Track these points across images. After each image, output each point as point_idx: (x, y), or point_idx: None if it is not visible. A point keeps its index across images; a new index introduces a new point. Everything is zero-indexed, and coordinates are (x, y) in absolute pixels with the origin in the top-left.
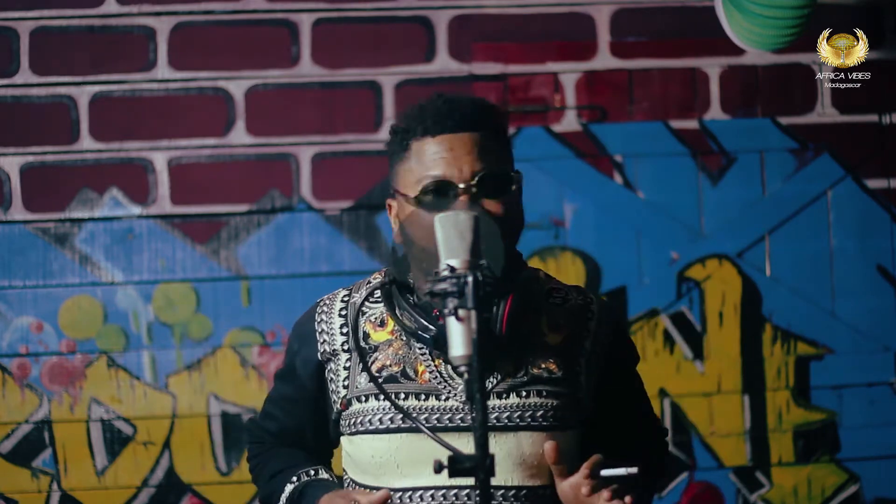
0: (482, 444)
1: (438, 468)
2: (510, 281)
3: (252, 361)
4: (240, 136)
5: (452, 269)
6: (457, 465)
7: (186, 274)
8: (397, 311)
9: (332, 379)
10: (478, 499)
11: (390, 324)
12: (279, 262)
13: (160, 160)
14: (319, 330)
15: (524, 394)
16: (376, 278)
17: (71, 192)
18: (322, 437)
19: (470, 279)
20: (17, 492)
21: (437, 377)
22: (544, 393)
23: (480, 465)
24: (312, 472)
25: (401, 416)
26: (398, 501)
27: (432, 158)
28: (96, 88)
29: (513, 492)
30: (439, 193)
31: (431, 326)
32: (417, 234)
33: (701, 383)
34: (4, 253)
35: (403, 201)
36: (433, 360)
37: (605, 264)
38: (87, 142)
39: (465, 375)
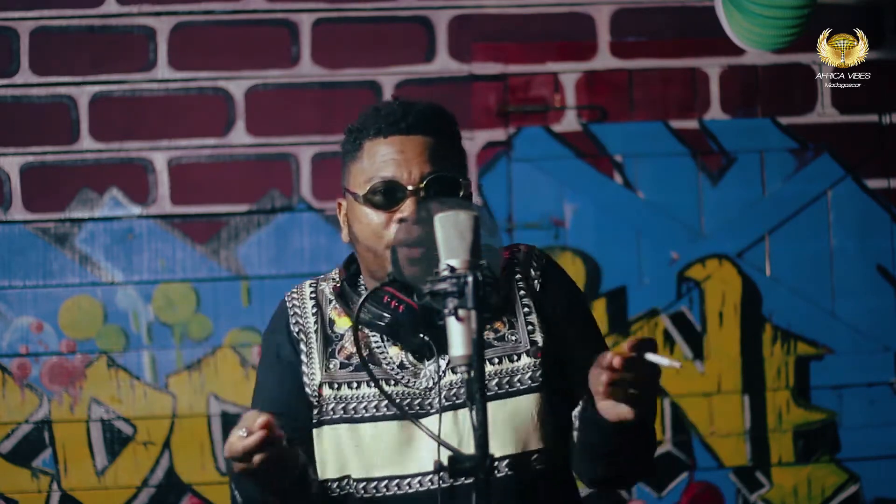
0: (482, 444)
1: (438, 468)
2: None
3: (252, 361)
4: (240, 136)
5: (452, 269)
6: (456, 465)
7: (186, 274)
8: (353, 305)
9: (305, 360)
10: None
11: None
12: (279, 262)
13: (160, 160)
14: (292, 312)
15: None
16: (335, 274)
17: (71, 192)
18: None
19: (470, 279)
20: (17, 492)
21: (392, 367)
22: (495, 360)
23: (480, 465)
24: None
25: (374, 404)
26: (373, 492)
27: (383, 159)
28: (96, 88)
29: (496, 462)
30: (387, 194)
31: (385, 314)
32: (363, 232)
33: (701, 383)
34: (4, 253)
35: (352, 200)
36: (388, 351)
37: (605, 264)
38: (87, 142)
39: (466, 375)
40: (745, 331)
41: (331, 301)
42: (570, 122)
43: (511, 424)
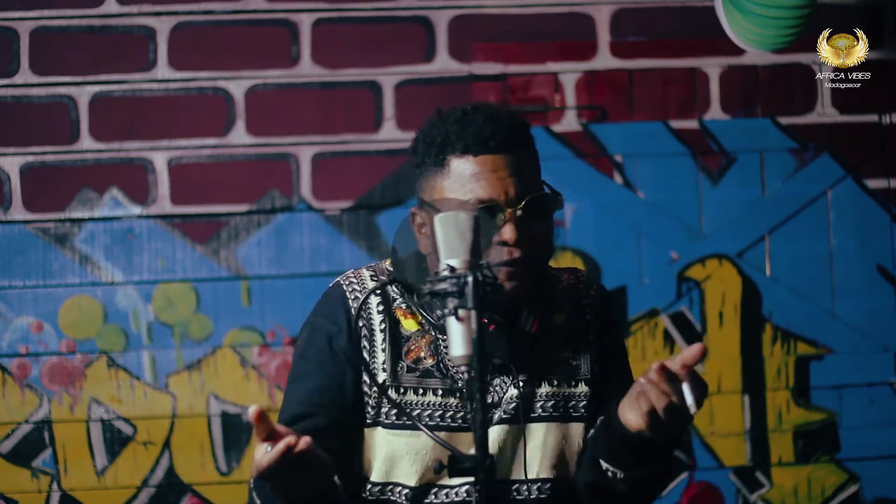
0: (482, 444)
1: (439, 468)
2: (542, 295)
3: (252, 361)
4: (240, 136)
5: (452, 269)
6: (456, 465)
7: (186, 274)
8: (429, 310)
9: (367, 357)
10: (477, 495)
11: (418, 315)
12: (279, 262)
13: (160, 160)
14: (353, 298)
15: (539, 384)
16: (389, 268)
17: (71, 192)
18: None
19: (470, 279)
20: (17, 492)
21: (462, 375)
22: (555, 382)
23: (480, 465)
24: None
25: (439, 413)
26: (426, 497)
27: (475, 179)
28: (96, 88)
29: (537, 485)
30: (485, 217)
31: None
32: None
33: None
34: (4, 253)
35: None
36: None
37: (605, 264)
38: (87, 142)
39: (466, 375)
40: (745, 331)
41: (395, 300)
42: (570, 122)
43: (559, 448)
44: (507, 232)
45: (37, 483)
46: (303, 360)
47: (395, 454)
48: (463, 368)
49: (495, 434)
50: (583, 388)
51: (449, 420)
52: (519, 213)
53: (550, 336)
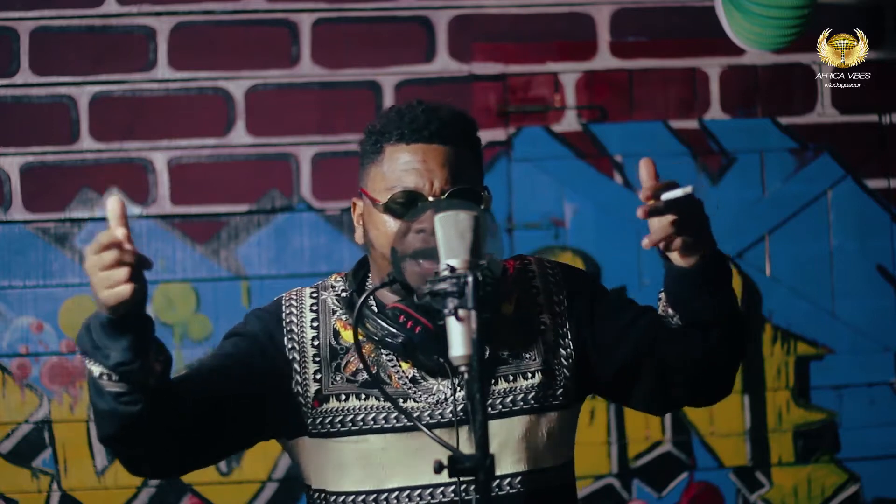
0: (482, 444)
1: (438, 468)
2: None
3: None
4: (240, 136)
5: (452, 269)
6: (457, 465)
7: (186, 274)
8: (368, 315)
9: (296, 370)
10: (467, 495)
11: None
12: (279, 262)
13: (160, 160)
14: (287, 320)
15: (492, 381)
16: (337, 280)
17: (71, 192)
18: (238, 413)
19: (470, 279)
20: (17, 492)
21: (405, 382)
22: (510, 377)
23: (480, 465)
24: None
25: (384, 415)
26: (389, 502)
27: (404, 167)
28: (96, 88)
29: (507, 480)
30: (408, 205)
31: (399, 333)
32: (380, 239)
33: None
34: (4, 253)
35: (371, 205)
36: (401, 366)
37: (605, 264)
38: (87, 142)
39: (466, 375)
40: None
41: (334, 312)
42: (570, 122)
43: (524, 442)
44: (425, 220)
45: (37, 483)
46: (226, 343)
47: (343, 461)
48: (409, 373)
49: (459, 435)
50: (539, 378)
51: (394, 421)
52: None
53: (499, 329)
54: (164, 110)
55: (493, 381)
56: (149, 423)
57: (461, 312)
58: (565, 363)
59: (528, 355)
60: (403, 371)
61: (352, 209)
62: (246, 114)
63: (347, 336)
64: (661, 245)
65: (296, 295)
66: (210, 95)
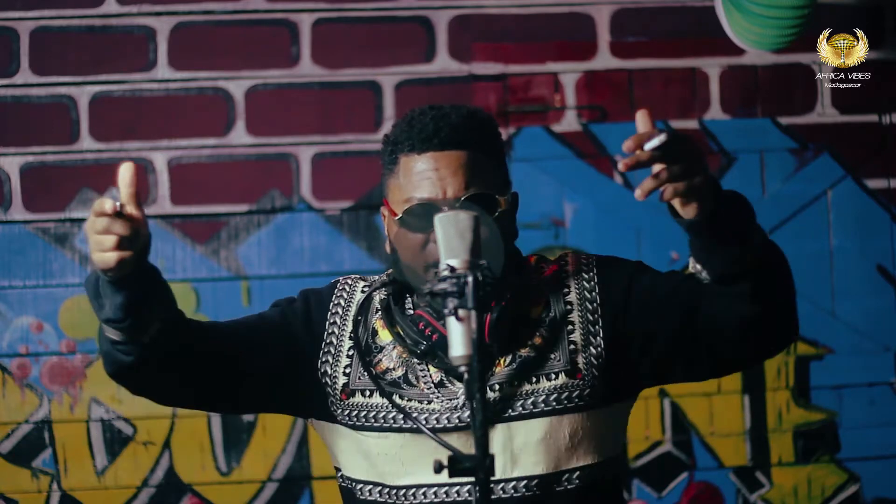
0: (482, 444)
1: (438, 468)
2: (511, 291)
3: None
4: (240, 136)
5: (452, 269)
6: (456, 464)
7: (186, 274)
8: (397, 320)
9: (328, 361)
10: (478, 494)
11: (396, 327)
12: (279, 262)
13: (160, 160)
14: (333, 311)
15: (515, 383)
16: (387, 278)
17: (71, 192)
18: (251, 374)
19: (470, 279)
20: (17, 492)
21: (430, 385)
22: (533, 379)
23: (480, 464)
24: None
25: (403, 415)
26: (402, 499)
27: (418, 177)
28: (96, 88)
29: (523, 482)
30: (423, 217)
31: (422, 341)
32: (403, 253)
33: (701, 383)
34: (4, 253)
35: (391, 217)
36: (429, 370)
37: None
38: (87, 142)
39: (465, 375)
40: None
41: (377, 311)
42: (570, 122)
43: (543, 444)
44: None
45: (37, 483)
46: (269, 310)
47: (370, 455)
48: (436, 377)
49: (468, 438)
50: (563, 379)
51: (402, 422)
52: None
53: (524, 330)
54: (164, 110)
55: (516, 383)
56: (142, 371)
57: (461, 312)
58: (595, 362)
59: (553, 356)
60: (431, 375)
61: (382, 218)
62: (246, 114)
63: (384, 336)
64: (661, 196)
65: (350, 284)
66: (210, 95)
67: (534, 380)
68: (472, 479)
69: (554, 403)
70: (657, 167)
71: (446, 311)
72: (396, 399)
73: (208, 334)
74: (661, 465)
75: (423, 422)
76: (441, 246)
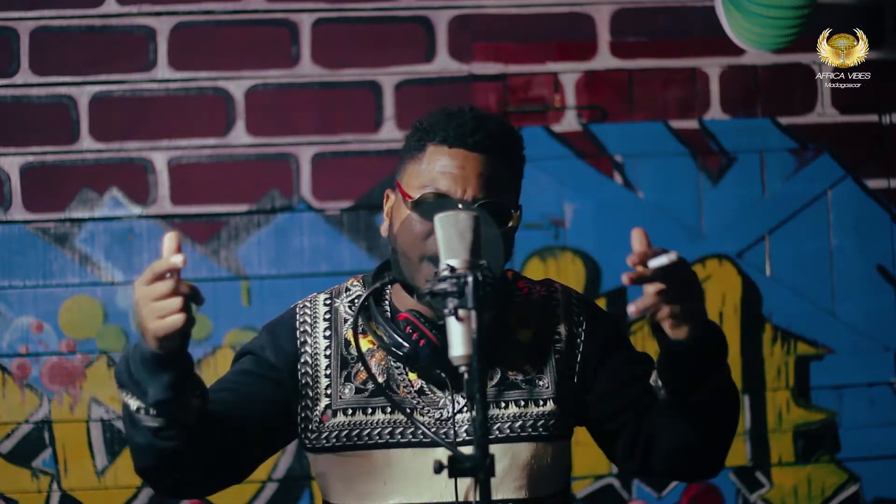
0: (482, 444)
1: (438, 468)
2: (504, 310)
3: None
4: (240, 136)
5: (452, 269)
6: (457, 465)
7: (186, 274)
8: (373, 325)
9: (308, 383)
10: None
11: (368, 334)
12: (279, 262)
13: (160, 160)
14: (301, 329)
15: (503, 405)
16: (354, 284)
17: (71, 192)
18: (264, 424)
19: (470, 279)
20: (17, 492)
21: (411, 393)
22: (521, 403)
23: (480, 465)
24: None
25: (388, 430)
26: None
27: (442, 169)
28: (96, 88)
29: None
30: (437, 207)
31: (405, 343)
32: (403, 236)
33: None
34: (4, 253)
35: (401, 200)
36: (408, 377)
37: (605, 264)
38: (87, 142)
39: (466, 375)
40: (745, 331)
41: (346, 320)
42: (570, 122)
43: (527, 469)
44: None
45: (37, 483)
46: (236, 365)
47: (349, 475)
48: (416, 384)
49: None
50: (550, 406)
51: (399, 436)
52: None
53: (515, 353)
54: (164, 110)
55: (504, 405)
56: (186, 456)
57: (461, 312)
58: (570, 396)
59: (541, 382)
60: (411, 382)
61: (384, 200)
62: (246, 114)
63: (363, 344)
64: (649, 315)
65: (310, 303)
66: (210, 95)
67: (522, 403)
68: (460, 496)
69: (541, 429)
70: (654, 286)
71: (446, 311)
72: (378, 414)
73: (216, 412)
74: None
75: (410, 436)
76: (441, 246)
